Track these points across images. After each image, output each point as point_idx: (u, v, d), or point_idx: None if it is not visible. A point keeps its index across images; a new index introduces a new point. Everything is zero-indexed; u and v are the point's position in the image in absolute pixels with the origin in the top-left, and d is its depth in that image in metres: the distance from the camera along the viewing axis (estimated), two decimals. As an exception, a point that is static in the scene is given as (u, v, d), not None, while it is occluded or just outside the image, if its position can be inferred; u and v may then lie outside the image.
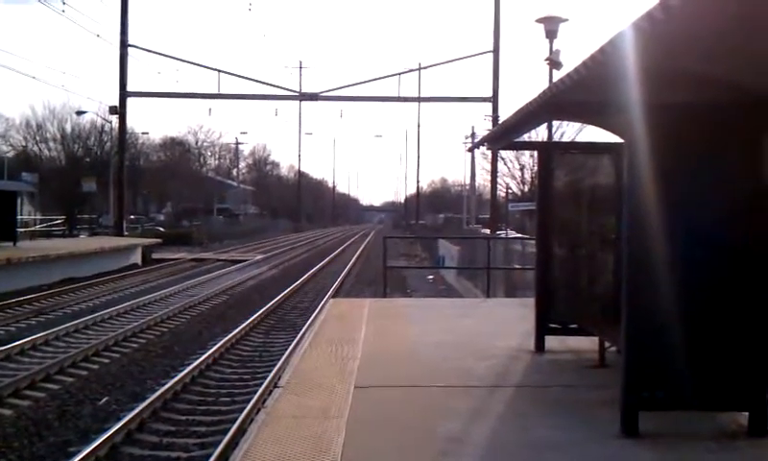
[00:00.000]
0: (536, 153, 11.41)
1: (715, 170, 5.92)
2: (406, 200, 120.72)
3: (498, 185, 41.64)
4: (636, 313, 5.83)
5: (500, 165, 44.42)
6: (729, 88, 5.72)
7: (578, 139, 31.91)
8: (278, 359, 13.63)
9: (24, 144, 68.62)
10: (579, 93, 5.79)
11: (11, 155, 67.61)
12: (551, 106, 6.27)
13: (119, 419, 9.87)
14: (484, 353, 8.99)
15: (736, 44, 4.98)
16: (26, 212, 53.03)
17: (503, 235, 30.53)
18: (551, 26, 20.00)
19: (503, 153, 43.14)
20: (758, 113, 5.84)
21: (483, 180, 53.81)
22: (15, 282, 23.62)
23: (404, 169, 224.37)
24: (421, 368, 8.28)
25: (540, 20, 20.26)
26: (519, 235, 27.90)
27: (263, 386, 11.51)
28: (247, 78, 41.46)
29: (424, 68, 43.54)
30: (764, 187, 5.86)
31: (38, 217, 54.89)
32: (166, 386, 11.55)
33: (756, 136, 5.87)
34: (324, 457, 5.25)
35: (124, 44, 39.28)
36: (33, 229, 46.94)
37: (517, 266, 19.54)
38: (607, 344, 8.25)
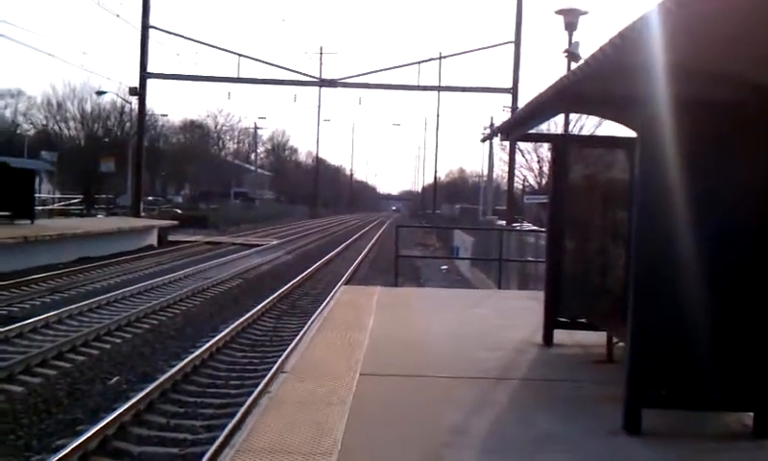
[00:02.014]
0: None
1: (729, 167, 5.86)
2: (423, 189, 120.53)
3: (516, 177, 41.54)
4: (643, 309, 5.80)
5: (518, 157, 44.22)
6: (747, 86, 5.66)
7: (597, 133, 31.79)
8: (288, 344, 13.68)
9: (45, 123, 69.18)
10: (592, 84, 5.75)
11: (32, 133, 68.26)
12: (564, 97, 6.21)
13: (128, 399, 9.95)
14: (491, 345, 8.98)
15: (753, 42, 4.92)
16: (45, 191, 53.50)
17: (519, 227, 30.43)
18: (571, 18, 19.87)
19: (521, 145, 42.95)
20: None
21: (501, 171, 53.64)
22: (32, 260, 23.82)
23: (422, 158, 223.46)
24: (428, 358, 8.28)
25: (559, 12, 20.14)
26: (534, 228, 27.79)
27: (272, 371, 11.57)
28: (266, 63, 41.61)
29: (445, 57, 43.29)
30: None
31: (57, 195, 55.33)
32: (176, 368, 11.63)
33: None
34: (325, 443, 5.27)
35: (145, 27, 39.41)
36: (51, 207, 47.29)
37: (531, 259, 19.47)
38: (615, 339, 8.22)
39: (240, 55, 39.60)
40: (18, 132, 68.80)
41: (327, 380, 6.95)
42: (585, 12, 20.00)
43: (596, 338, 8.73)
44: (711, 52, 5.33)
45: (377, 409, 6.28)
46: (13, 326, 14.01)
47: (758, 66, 5.49)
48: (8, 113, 72.21)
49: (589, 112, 13.12)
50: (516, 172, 43.64)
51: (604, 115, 8.18)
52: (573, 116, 34.78)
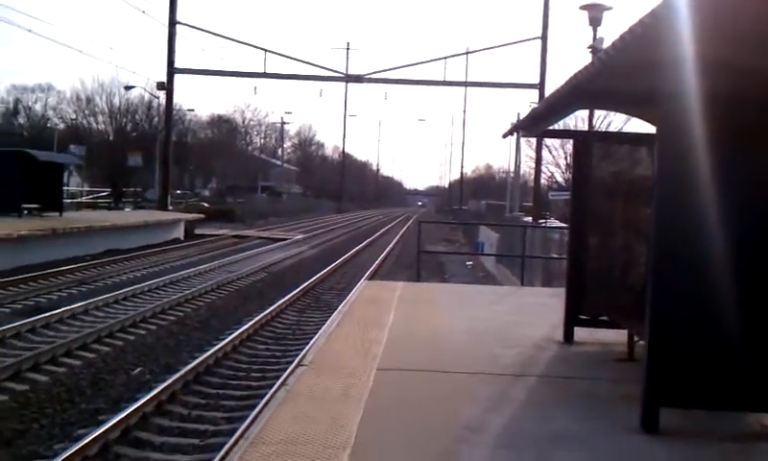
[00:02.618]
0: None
1: (756, 162, 5.76)
2: (450, 185, 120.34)
3: (543, 173, 41.34)
4: (661, 306, 5.73)
5: (545, 153, 44.10)
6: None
7: (626, 129, 31.54)
8: (311, 338, 13.71)
9: (74, 117, 70.01)
10: (609, 79, 5.68)
11: (61, 127, 69.14)
12: (580, 92, 6.13)
13: (151, 389, 10.05)
14: (511, 342, 8.95)
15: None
16: (74, 184, 54.16)
17: (544, 224, 30.29)
18: (595, 13, 19.74)
19: (548, 141, 42.78)
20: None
21: (528, 167, 53.45)
22: (60, 252, 24.14)
23: (449, 154, 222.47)
24: (446, 353, 8.27)
25: (584, 7, 20.00)
26: (560, 224, 27.64)
27: (294, 364, 11.60)
28: (293, 58, 41.67)
29: (471, 53, 43.32)
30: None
31: (85, 189, 55.98)
32: (199, 359, 11.72)
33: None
34: (339, 437, 5.29)
35: (172, 22, 39.69)
36: (79, 200, 47.89)
37: (555, 255, 19.37)
38: (636, 337, 8.16)
39: (266, 50, 39.75)
40: (48, 126, 69.68)
41: (345, 375, 6.97)
42: (609, 8, 19.84)
43: (618, 336, 8.66)
44: (738, 43, 5.25)
45: (393, 404, 6.28)
46: (40, 316, 14.22)
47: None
48: (38, 108, 73.26)
49: (608, 108, 12.96)
50: (543, 168, 43.48)
51: (623, 110, 8.12)
52: (601, 112, 34.55)
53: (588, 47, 19.78)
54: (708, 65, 5.16)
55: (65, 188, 37.99)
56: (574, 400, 6.70)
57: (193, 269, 23.46)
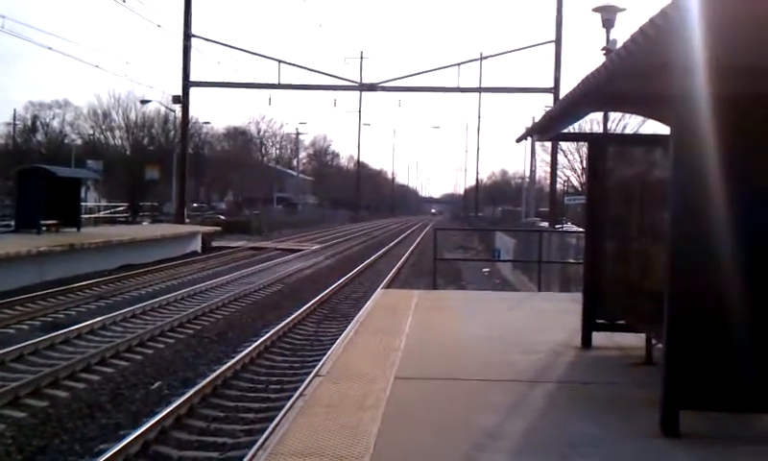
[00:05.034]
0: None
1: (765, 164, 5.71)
2: (465, 192, 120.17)
3: (558, 178, 41.21)
4: (679, 309, 5.70)
5: (561, 157, 43.96)
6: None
7: (642, 131, 31.39)
8: (329, 348, 13.70)
9: (91, 133, 70.59)
10: (621, 81, 5.65)
11: (78, 143, 69.67)
12: (592, 95, 6.12)
13: (169, 403, 10.07)
14: (529, 348, 8.91)
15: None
16: (91, 199, 54.55)
17: (561, 228, 30.16)
18: (608, 15, 19.72)
19: (564, 145, 42.65)
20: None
21: (544, 172, 53.34)
22: (78, 267, 24.27)
23: (464, 161, 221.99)
24: (464, 361, 8.25)
25: (596, 9, 19.98)
26: (576, 229, 27.51)
27: (312, 374, 11.58)
28: (306, 68, 41.73)
29: (485, 58, 43.28)
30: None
31: (103, 204, 56.35)
32: (217, 372, 11.73)
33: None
34: (357, 447, 5.28)
35: (187, 36, 39.92)
36: (97, 215, 48.13)
37: (572, 260, 19.27)
38: (654, 340, 8.10)
39: (280, 61, 39.94)
40: (66, 141, 70.23)
41: (362, 384, 6.97)
42: (622, 10, 19.80)
43: (636, 340, 8.62)
44: (750, 42, 5.21)
45: (411, 413, 6.27)
46: (59, 332, 14.29)
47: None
48: (55, 124, 73.89)
49: (621, 110, 12.96)
50: (559, 172, 43.37)
51: (636, 112, 8.08)
52: (616, 115, 34.44)
53: (602, 49, 19.71)
54: (720, 65, 5.13)
55: (83, 204, 38.22)
56: (593, 404, 6.66)
57: (210, 282, 23.54)
